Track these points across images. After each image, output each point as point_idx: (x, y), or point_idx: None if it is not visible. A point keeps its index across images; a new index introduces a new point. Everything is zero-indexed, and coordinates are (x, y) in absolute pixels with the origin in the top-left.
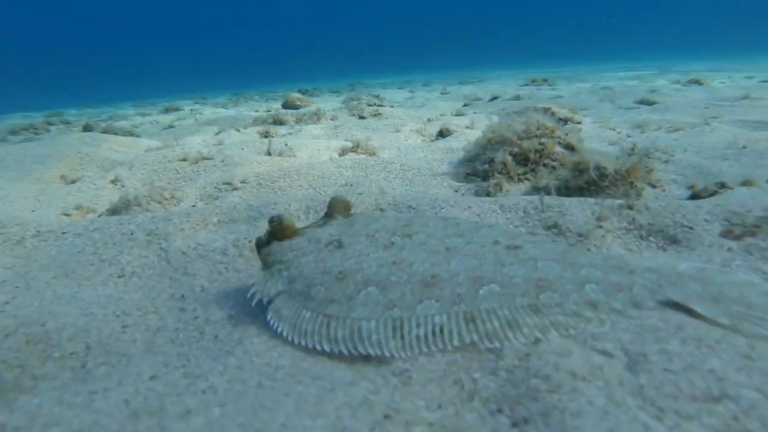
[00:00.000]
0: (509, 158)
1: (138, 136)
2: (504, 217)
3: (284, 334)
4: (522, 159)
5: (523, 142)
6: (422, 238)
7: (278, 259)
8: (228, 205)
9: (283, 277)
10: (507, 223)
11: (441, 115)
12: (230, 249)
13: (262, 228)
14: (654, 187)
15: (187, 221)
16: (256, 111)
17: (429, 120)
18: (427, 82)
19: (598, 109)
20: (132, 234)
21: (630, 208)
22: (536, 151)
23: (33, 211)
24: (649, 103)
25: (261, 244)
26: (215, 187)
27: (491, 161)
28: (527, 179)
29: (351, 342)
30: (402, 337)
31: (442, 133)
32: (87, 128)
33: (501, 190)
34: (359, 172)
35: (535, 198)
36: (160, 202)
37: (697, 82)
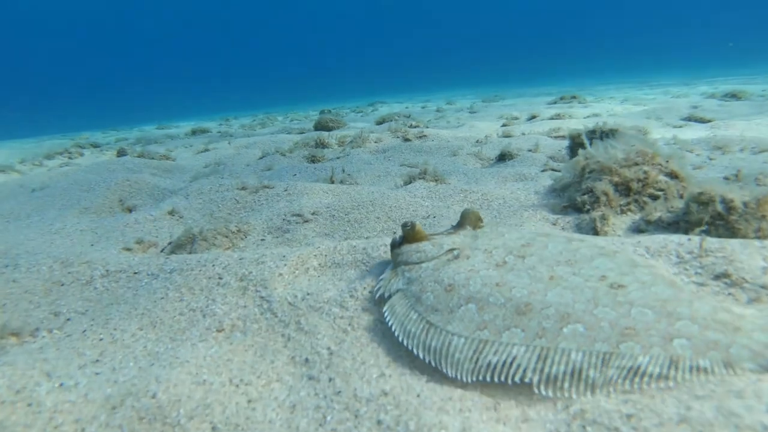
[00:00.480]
0: (611, 188)
1: (174, 159)
2: (657, 262)
3: (393, 329)
4: (624, 189)
5: (624, 170)
6: (534, 261)
7: (404, 260)
8: (327, 247)
9: (405, 277)
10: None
11: (487, 136)
12: (348, 301)
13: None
14: None
15: (285, 264)
16: (289, 133)
17: (479, 141)
18: (449, 100)
19: (650, 128)
20: (220, 278)
21: None
22: (639, 180)
23: (92, 245)
24: (701, 121)
25: (394, 245)
26: (283, 219)
27: (590, 191)
28: (630, 211)
29: (439, 355)
30: (476, 360)
31: (503, 157)
32: (121, 153)
33: (607, 223)
34: (438, 202)
35: (683, 239)
36: (226, 236)
37: (734, 96)
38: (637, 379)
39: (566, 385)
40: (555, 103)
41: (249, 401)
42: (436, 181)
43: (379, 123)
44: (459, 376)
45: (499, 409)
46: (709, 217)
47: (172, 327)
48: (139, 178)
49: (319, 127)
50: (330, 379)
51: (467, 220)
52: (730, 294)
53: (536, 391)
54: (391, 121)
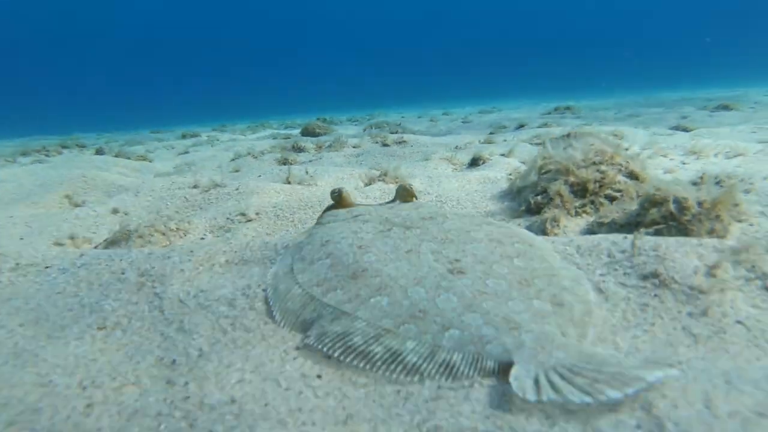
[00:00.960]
0: (565, 189)
1: (151, 161)
2: (584, 261)
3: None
4: (580, 190)
5: (581, 170)
6: (414, 234)
7: (318, 221)
8: (240, 243)
9: (307, 233)
10: (588, 270)
11: (468, 143)
12: (239, 299)
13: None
14: (740, 221)
15: (190, 260)
16: (275, 138)
17: (458, 147)
18: (446, 111)
19: (634, 135)
20: (123, 273)
21: (745, 250)
22: (596, 180)
23: (21, 238)
24: (686, 130)
25: (325, 209)
26: (227, 218)
27: (544, 192)
28: (585, 212)
29: (276, 297)
30: (291, 311)
31: (475, 162)
32: (99, 152)
33: (558, 225)
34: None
35: (618, 238)
36: (164, 234)
37: (725, 107)
38: (393, 365)
39: (336, 344)
40: (549, 114)
41: (88, 406)
42: (396, 182)
43: (367, 129)
44: (281, 323)
45: (349, 423)
46: (662, 217)
47: (55, 323)
48: (95, 174)
49: (306, 132)
50: (185, 384)
51: (398, 194)
52: (656, 296)
53: (306, 341)
54: (379, 128)
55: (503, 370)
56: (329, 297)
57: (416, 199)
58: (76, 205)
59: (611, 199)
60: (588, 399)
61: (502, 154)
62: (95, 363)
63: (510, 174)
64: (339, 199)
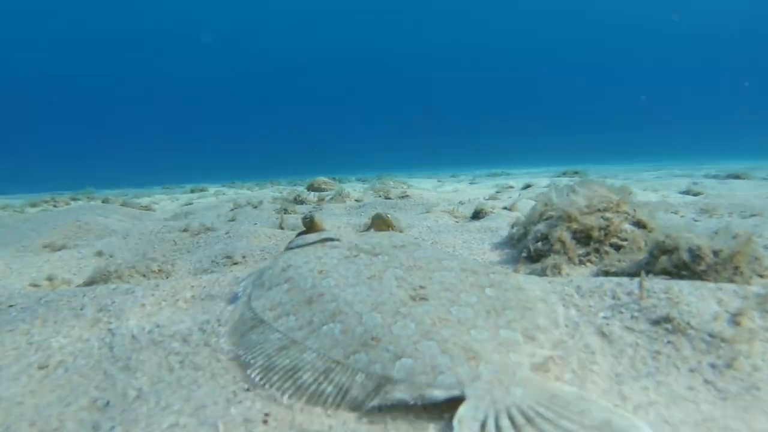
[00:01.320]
0: (568, 236)
1: (154, 210)
2: (584, 303)
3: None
4: (583, 237)
5: (585, 217)
6: (379, 260)
7: (287, 245)
8: (210, 278)
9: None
10: (590, 312)
11: (472, 199)
12: (195, 334)
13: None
14: (762, 276)
15: (152, 295)
16: (280, 193)
17: (461, 203)
18: (454, 174)
19: (644, 196)
20: (82, 309)
21: None
22: (600, 228)
23: None
24: (696, 194)
25: (297, 234)
26: (213, 261)
27: (545, 239)
28: (590, 261)
29: (231, 320)
30: (242, 334)
31: (477, 215)
32: (106, 201)
33: (560, 273)
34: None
35: (624, 279)
36: (144, 275)
37: (737, 176)
38: (342, 404)
39: (284, 383)
40: (557, 176)
41: None
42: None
43: (372, 185)
44: (226, 338)
45: None
46: (673, 267)
47: None
48: (90, 219)
49: (311, 188)
50: (111, 428)
51: (373, 222)
52: (669, 343)
53: (252, 376)
54: (383, 183)
55: (455, 405)
56: (280, 322)
57: (392, 229)
58: (63, 248)
59: (617, 248)
60: None
61: (505, 208)
62: (19, 407)
63: (511, 225)
64: (311, 225)
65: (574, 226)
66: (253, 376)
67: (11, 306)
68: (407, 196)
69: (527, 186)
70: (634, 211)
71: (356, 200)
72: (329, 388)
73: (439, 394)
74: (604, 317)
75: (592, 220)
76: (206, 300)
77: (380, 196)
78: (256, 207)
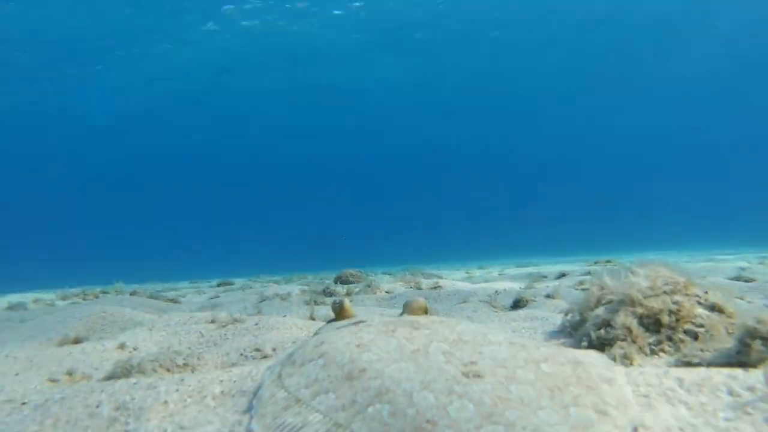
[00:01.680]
0: (634, 321)
1: (181, 303)
2: (694, 400)
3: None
4: (652, 323)
5: (650, 300)
6: (422, 334)
7: (318, 330)
8: (242, 371)
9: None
10: (705, 412)
11: (508, 289)
12: None
13: None
14: None
15: (177, 390)
16: (307, 286)
17: (497, 292)
18: (481, 266)
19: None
20: (97, 407)
21: None
22: (670, 312)
23: (17, 374)
24: (749, 281)
25: (327, 322)
26: (241, 354)
27: (607, 325)
28: (663, 351)
29: (256, 397)
30: (276, 415)
31: (518, 304)
32: (134, 294)
33: (632, 364)
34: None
35: (737, 371)
36: (169, 370)
37: None
38: None
39: None
40: (590, 265)
41: None
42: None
43: (401, 276)
44: (256, 420)
45: None
46: None
47: None
48: (115, 311)
49: (340, 281)
50: None
51: (407, 308)
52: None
53: None
54: (413, 275)
55: None
56: (318, 400)
57: (426, 314)
58: (86, 340)
59: (692, 335)
60: None
61: (548, 296)
62: None
63: (558, 312)
64: (340, 310)
65: (640, 310)
66: None
67: (24, 404)
68: (439, 286)
69: (562, 275)
70: (706, 293)
71: (387, 292)
72: None
73: None
74: (727, 419)
75: (660, 304)
76: (237, 396)
77: (411, 287)
78: (284, 299)
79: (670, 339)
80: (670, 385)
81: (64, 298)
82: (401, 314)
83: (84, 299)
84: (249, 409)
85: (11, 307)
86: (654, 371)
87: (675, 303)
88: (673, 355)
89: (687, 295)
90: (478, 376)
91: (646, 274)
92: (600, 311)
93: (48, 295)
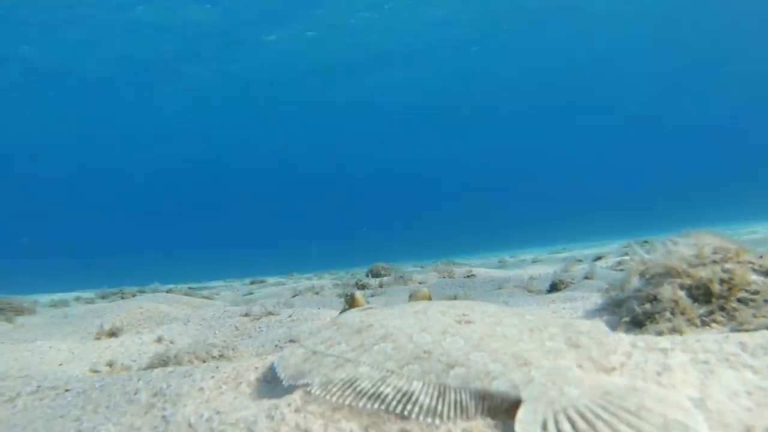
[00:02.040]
0: (681, 293)
1: (215, 300)
2: (762, 364)
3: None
4: (701, 294)
5: (697, 270)
6: (428, 305)
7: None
8: (277, 358)
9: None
10: None
11: (543, 274)
12: (261, 422)
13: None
14: None
15: (212, 377)
16: (339, 280)
17: (532, 278)
18: (513, 254)
19: None
20: (136, 393)
21: None
22: (722, 281)
23: (60, 364)
24: None
25: (339, 313)
26: (276, 345)
27: (653, 299)
28: (715, 321)
29: (280, 358)
30: (295, 363)
31: (556, 286)
32: (170, 292)
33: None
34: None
35: None
36: (204, 361)
37: None
38: (407, 406)
39: (345, 391)
40: (626, 247)
41: None
42: None
43: (434, 267)
44: (279, 369)
45: None
46: None
47: None
48: (151, 306)
49: (371, 274)
50: None
51: (412, 297)
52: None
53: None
54: (445, 265)
55: (512, 407)
56: (332, 350)
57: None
58: (124, 334)
59: (746, 303)
60: None
61: (585, 277)
62: None
63: (601, 291)
64: (352, 301)
65: (687, 281)
66: (312, 391)
67: (67, 391)
68: (473, 275)
69: (598, 258)
70: (761, 258)
71: (419, 282)
72: (388, 390)
73: (496, 395)
74: None
75: (709, 273)
76: (273, 383)
77: (444, 277)
78: (317, 293)
79: (722, 309)
80: (731, 350)
81: (103, 297)
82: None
83: (122, 297)
84: (284, 395)
85: (54, 305)
86: (712, 337)
87: (726, 271)
88: (726, 325)
89: (739, 262)
90: (469, 322)
91: (691, 243)
92: (644, 285)
93: (89, 294)
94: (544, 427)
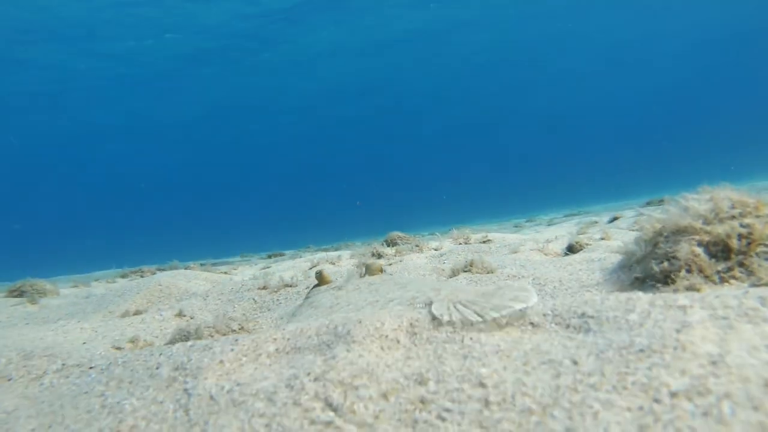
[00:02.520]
0: (699, 250)
1: (233, 275)
2: None
3: None
4: (719, 251)
5: (715, 226)
6: (379, 286)
7: (307, 294)
8: (294, 329)
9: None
10: None
11: (557, 236)
12: (282, 392)
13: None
14: None
15: (232, 350)
16: (357, 251)
17: (548, 241)
18: (530, 218)
19: None
20: (157, 368)
21: None
22: (741, 236)
23: (84, 343)
24: None
25: (311, 288)
26: (294, 316)
27: (671, 257)
28: (734, 278)
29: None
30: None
31: (572, 249)
32: (187, 268)
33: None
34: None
35: None
36: (224, 335)
37: None
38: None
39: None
40: (643, 207)
41: None
42: (484, 272)
43: (449, 234)
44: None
45: None
46: None
47: (67, 428)
48: (171, 282)
49: (388, 243)
50: None
51: (368, 270)
52: None
53: None
54: (460, 231)
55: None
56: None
57: (382, 272)
58: (145, 311)
59: (766, 258)
60: (478, 318)
61: (602, 238)
62: None
63: (617, 252)
64: (321, 278)
65: (704, 238)
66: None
67: (91, 368)
68: (489, 240)
69: (614, 219)
70: None
71: (434, 249)
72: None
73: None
74: None
75: (727, 229)
76: (292, 353)
77: (460, 244)
78: (334, 264)
79: (741, 264)
80: (751, 304)
81: (123, 276)
82: (363, 275)
83: (142, 276)
84: (305, 364)
85: (76, 286)
86: (732, 293)
87: (745, 226)
88: (745, 281)
89: (758, 216)
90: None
91: (707, 199)
92: (661, 243)
93: (110, 273)
94: (447, 308)
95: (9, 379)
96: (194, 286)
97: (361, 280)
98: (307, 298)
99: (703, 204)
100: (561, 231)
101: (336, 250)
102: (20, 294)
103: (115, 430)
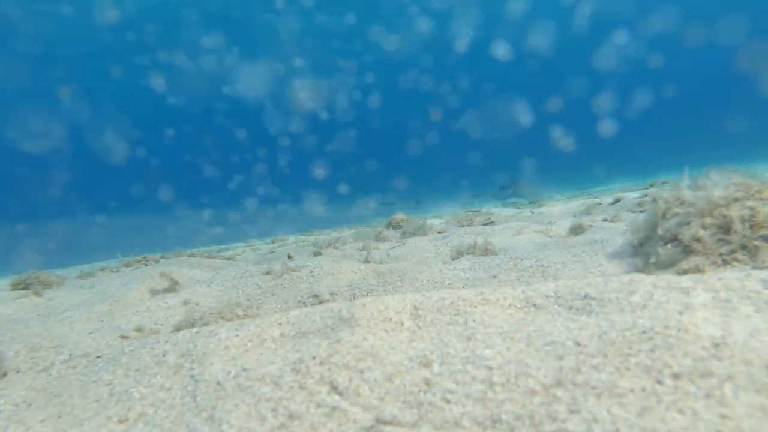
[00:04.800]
0: (703, 232)
1: (237, 261)
2: None
3: None
4: (723, 233)
5: (720, 209)
6: None
7: None
8: (299, 313)
9: None
10: None
11: (562, 216)
12: (287, 376)
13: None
14: None
15: (237, 335)
16: (360, 234)
17: (551, 222)
18: (531, 200)
19: None
20: (163, 356)
21: None
22: (744, 219)
23: (90, 333)
24: None
25: None
26: (299, 301)
27: (675, 239)
28: (737, 260)
29: None
30: None
31: (576, 230)
32: (192, 256)
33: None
34: (481, 273)
35: None
36: (229, 321)
37: None
38: None
39: None
40: (646, 188)
41: None
42: (486, 254)
43: (453, 216)
44: None
45: None
46: None
47: (76, 417)
48: (173, 270)
49: (391, 226)
50: None
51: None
52: None
53: None
54: (464, 213)
55: None
56: None
57: None
58: (150, 299)
59: None
60: None
61: (605, 220)
62: None
63: (622, 233)
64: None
65: (709, 220)
66: None
67: (98, 357)
68: (492, 222)
69: (617, 200)
70: None
71: (438, 232)
72: None
73: None
74: None
75: (732, 211)
76: (297, 337)
77: (463, 226)
78: (337, 248)
79: (744, 247)
80: (754, 287)
81: (128, 265)
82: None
83: (146, 265)
84: (309, 348)
85: (81, 276)
86: (734, 275)
87: (748, 209)
88: (748, 263)
89: (761, 199)
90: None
91: (716, 182)
92: (666, 225)
93: (114, 263)
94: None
95: (17, 371)
96: (198, 273)
97: None
98: None
99: (715, 187)
100: (565, 211)
101: (338, 233)
102: (26, 287)
103: (124, 417)
